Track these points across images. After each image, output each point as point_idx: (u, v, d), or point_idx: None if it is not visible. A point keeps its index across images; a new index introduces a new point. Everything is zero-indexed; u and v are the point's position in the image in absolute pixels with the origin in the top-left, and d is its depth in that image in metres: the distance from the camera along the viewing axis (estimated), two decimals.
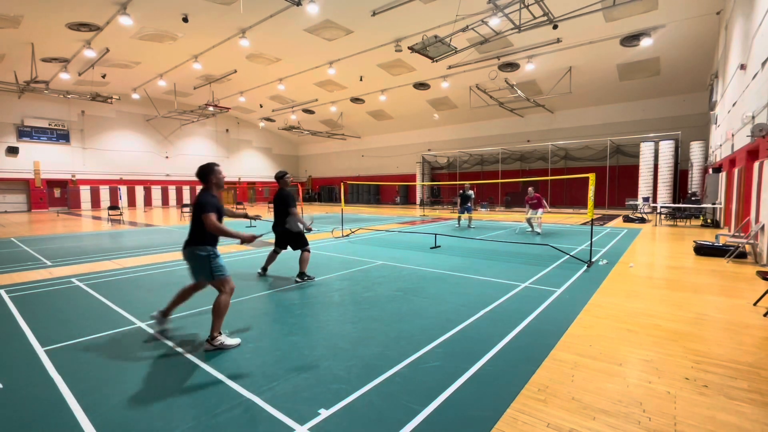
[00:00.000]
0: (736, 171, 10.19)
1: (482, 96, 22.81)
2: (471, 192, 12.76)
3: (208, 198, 3.47)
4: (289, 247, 6.05)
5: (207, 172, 3.58)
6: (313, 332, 3.78)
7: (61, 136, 26.82)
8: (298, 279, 5.83)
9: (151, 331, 3.86)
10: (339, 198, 34.62)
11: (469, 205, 12.79)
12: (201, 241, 3.48)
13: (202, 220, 3.41)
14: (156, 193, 31.75)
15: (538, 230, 11.24)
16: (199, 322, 4.10)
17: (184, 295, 3.83)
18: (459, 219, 13.56)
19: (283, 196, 5.77)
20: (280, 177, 5.84)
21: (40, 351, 3.40)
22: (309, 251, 5.92)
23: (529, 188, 11.24)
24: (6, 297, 5.14)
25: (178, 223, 16.76)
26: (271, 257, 6.23)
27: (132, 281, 6.02)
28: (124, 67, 21.81)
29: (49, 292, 5.44)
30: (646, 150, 19.85)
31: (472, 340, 3.51)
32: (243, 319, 4.19)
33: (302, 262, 5.81)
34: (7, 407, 2.53)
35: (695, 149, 18.84)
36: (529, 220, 11.45)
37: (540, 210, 11.17)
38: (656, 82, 20.00)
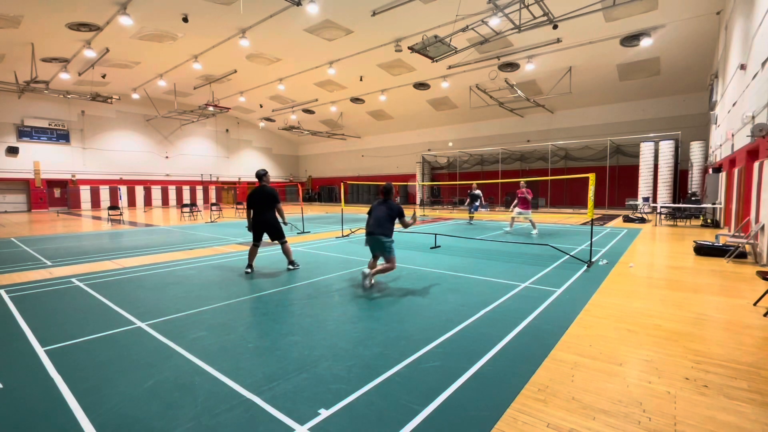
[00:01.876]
0: (736, 171, 10.19)
1: (482, 96, 22.81)
2: (478, 191, 13.82)
3: (399, 206, 5.52)
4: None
5: (392, 190, 5.66)
6: (313, 332, 3.78)
7: (61, 136, 26.83)
8: (289, 267, 6.68)
9: (158, 335, 3.86)
10: (339, 198, 34.62)
11: (477, 204, 13.83)
12: (390, 233, 5.41)
13: (395, 219, 5.48)
14: (156, 193, 31.76)
15: (524, 227, 11.82)
16: (199, 321, 4.10)
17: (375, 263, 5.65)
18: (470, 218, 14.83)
19: (266, 193, 6.44)
20: (262, 175, 6.51)
21: (40, 351, 3.40)
22: (287, 242, 6.72)
23: (522, 181, 11.15)
24: (6, 297, 5.14)
25: (178, 223, 16.76)
26: (253, 252, 6.66)
27: (132, 281, 6.02)
28: (124, 67, 21.81)
29: (49, 292, 5.44)
30: (646, 150, 19.85)
31: (472, 340, 3.51)
32: (243, 319, 4.20)
33: (286, 252, 6.67)
34: (7, 407, 2.53)
35: (695, 149, 18.84)
36: (528, 219, 11.43)
37: (526, 210, 11.20)
38: (656, 82, 20.00)
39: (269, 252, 8.64)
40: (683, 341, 3.50)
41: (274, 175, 40.46)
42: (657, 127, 21.51)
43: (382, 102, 26.72)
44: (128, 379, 2.88)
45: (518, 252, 8.21)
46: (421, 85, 23.84)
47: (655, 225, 13.60)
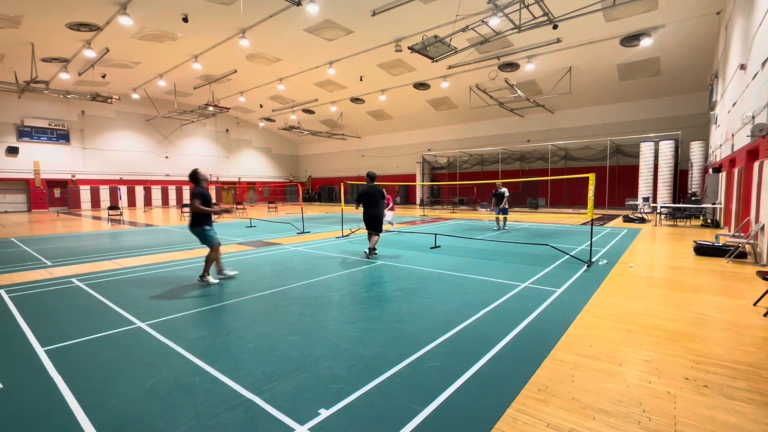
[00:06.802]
0: (736, 171, 10.19)
1: (482, 96, 22.81)
2: (504, 190, 11.89)
3: (200, 190, 5.67)
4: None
5: (196, 174, 5.87)
6: (313, 332, 3.78)
7: (61, 136, 26.82)
8: (366, 251, 7.81)
9: (158, 335, 3.86)
10: (339, 198, 34.59)
11: (504, 206, 11.88)
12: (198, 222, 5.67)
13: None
14: (156, 193, 31.75)
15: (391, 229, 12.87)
16: (199, 321, 4.10)
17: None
18: (497, 220, 12.70)
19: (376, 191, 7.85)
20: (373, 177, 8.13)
21: (40, 351, 3.40)
22: (379, 235, 7.85)
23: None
24: (6, 297, 5.14)
25: (178, 223, 16.75)
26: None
27: (132, 281, 6.02)
28: (124, 67, 21.81)
29: (49, 292, 5.44)
30: (646, 150, 19.85)
31: (472, 340, 3.51)
32: (243, 319, 4.20)
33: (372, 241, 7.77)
34: (7, 407, 2.53)
35: (695, 149, 18.84)
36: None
37: (390, 213, 12.32)
38: (656, 82, 20.01)
39: (268, 253, 8.65)
40: (683, 341, 3.50)
41: (274, 175, 40.49)
42: (657, 127, 21.51)
43: (382, 102, 26.72)
44: (128, 379, 2.88)
45: (518, 252, 8.21)
46: (421, 85, 23.84)
47: (655, 225, 13.59)
